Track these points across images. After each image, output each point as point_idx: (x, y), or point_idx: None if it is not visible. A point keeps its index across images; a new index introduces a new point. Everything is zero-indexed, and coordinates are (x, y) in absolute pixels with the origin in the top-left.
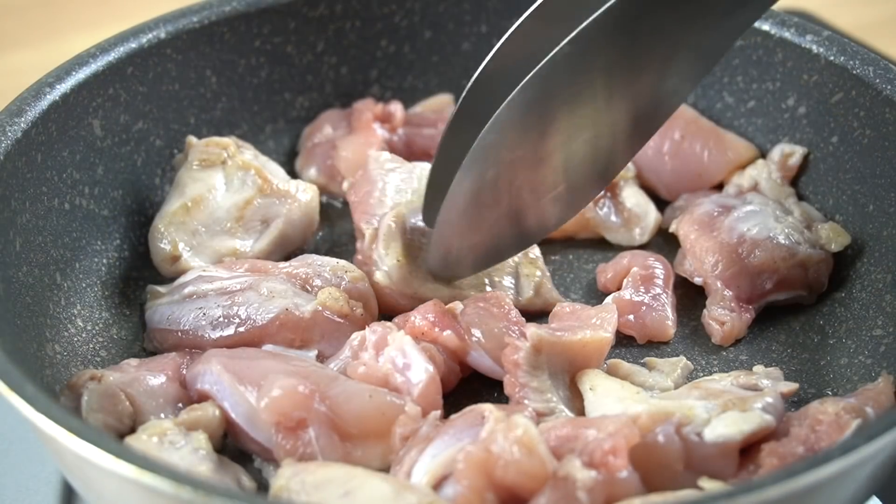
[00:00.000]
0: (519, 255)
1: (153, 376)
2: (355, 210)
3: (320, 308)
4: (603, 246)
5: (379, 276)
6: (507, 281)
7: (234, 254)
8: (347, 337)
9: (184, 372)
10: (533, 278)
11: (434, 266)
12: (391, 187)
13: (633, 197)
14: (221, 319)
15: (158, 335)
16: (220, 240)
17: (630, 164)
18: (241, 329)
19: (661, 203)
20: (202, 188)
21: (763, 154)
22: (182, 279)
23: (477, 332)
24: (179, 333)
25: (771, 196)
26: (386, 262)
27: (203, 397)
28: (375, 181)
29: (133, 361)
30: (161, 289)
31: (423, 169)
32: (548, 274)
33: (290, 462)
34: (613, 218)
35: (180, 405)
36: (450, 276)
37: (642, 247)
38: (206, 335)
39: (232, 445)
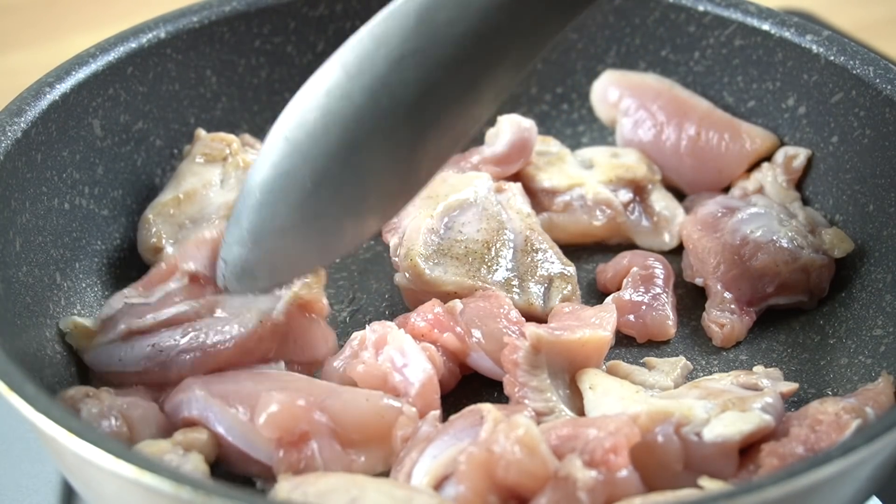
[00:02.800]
0: (556, 269)
1: (145, 402)
2: (383, 228)
3: (290, 305)
4: (603, 246)
5: (397, 278)
6: (535, 288)
7: None
8: (319, 336)
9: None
10: (563, 290)
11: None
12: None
13: (661, 200)
14: (187, 350)
15: (115, 378)
16: None
17: (655, 167)
18: (214, 353)
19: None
20: (197, 182)
21: (781, 142)
22: (106, 312)
23: (477, 333)
24: (141, 374)
25: (776, 199)
26: (403, 264)
27: (189, 425)
28: None
29: (110, 390)
30: (85, 322)
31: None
32: (578, 292)
33: (288, 476)
34: (644, 222)
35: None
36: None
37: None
38: (174, 368)
39: (225, 471)
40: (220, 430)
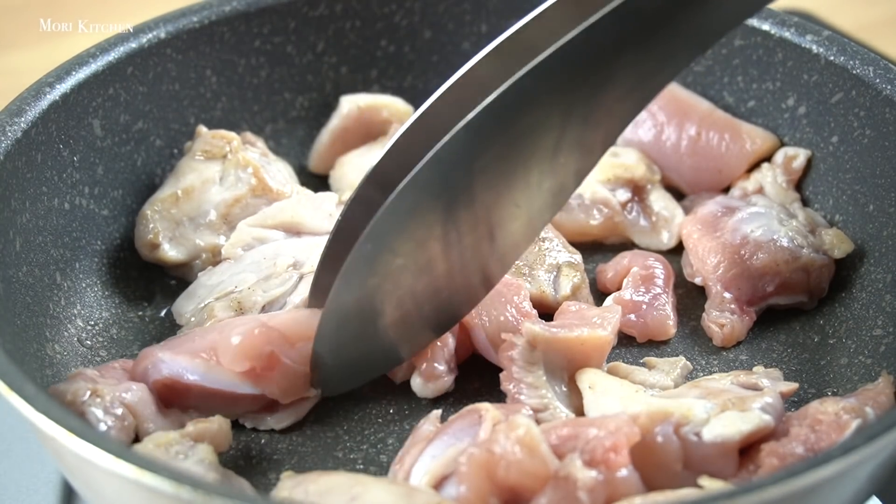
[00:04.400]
0: (563, 257)
1: (134, 385)
2: None
3: None
4: (603, 246)
5: None
6: (545, 276)
7: (215, 250)
8: None
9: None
10: (572, 279)
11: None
12: None
13: (660, 200)
14: None
15: None
16: (201, 234)
17: (654, 167)
18: None
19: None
20: (196, 179)
21: (781, 142)
22: None
23: (484, 317)
24: None
25: (776, 200)
26: None
27: (167, 387)
28: None
29: (88, 371)
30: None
31: None
32: (587, 280)
33: (291, 474)
34: (642, 222)
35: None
36: (324, 390)
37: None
38: None
39: (236, 460)
40: (195, 378)
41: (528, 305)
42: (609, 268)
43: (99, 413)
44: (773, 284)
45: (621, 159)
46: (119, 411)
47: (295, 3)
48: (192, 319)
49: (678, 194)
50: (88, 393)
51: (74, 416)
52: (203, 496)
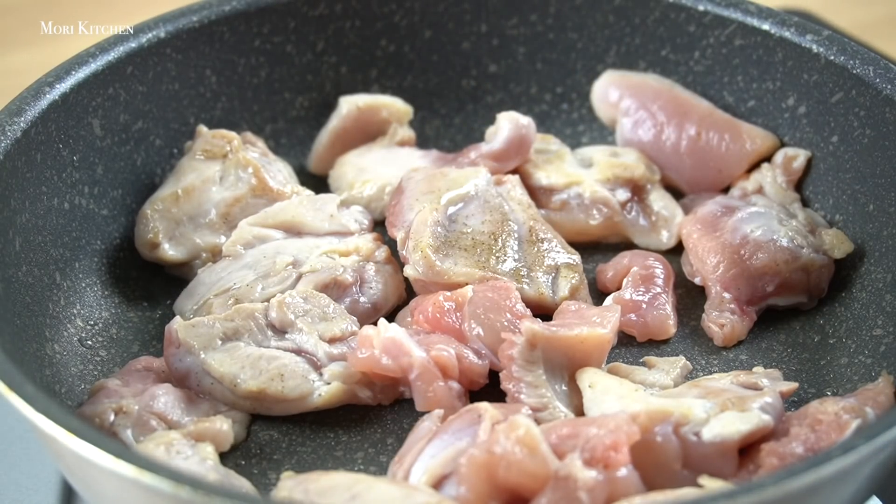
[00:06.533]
0: (562, 258)
1: (160, 389)
2: (388, 224)
3: None
4: (603, 246)
5: (408, 270)
6: (544, 278)
7: (215, 250)
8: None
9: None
10: (570, 280)
11: None
12: (416, 192)
13: (660, 200)
14: None
15: None
16: (202, 233)
17: (654, 167)
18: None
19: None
20: (197, 179)
21: (781, 143)
22: None
23: (477, 328)
24: None
25: (776, 200)
26: (413, 256)
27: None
28: (403, 190)
29: (110, 383)
30: None
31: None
32: (585, 281)
33: (291, 474)
34: (642, 222)
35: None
36: None
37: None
38: None
39: (236, 460)
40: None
41: (521, 307)
42: (609, 267)
43: (129, 433)
44: (773, 284)
45: (621, 159)
46: (150, 422)
47: (295, 2)
48: (192, 317)
49: (678, 194)
50: (113, 414)
51: (74, 417)
52: (203, 496)
